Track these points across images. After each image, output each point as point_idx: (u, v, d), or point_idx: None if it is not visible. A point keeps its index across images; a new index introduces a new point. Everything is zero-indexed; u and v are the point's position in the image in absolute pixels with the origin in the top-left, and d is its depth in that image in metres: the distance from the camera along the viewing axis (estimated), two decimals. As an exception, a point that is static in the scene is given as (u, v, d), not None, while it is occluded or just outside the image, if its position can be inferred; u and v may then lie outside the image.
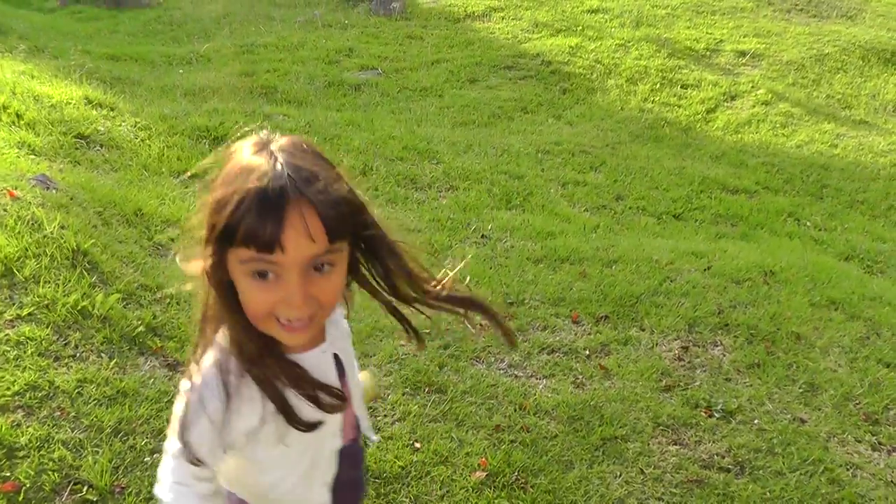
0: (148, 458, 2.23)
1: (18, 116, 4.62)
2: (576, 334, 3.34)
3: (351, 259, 1.10)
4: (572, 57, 9.46)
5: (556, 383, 2.97)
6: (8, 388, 2.29)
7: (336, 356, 1.22)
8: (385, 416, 2.65)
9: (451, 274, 1.22)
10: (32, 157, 4.18)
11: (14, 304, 2.63)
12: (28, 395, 2.30)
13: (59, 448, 2.15)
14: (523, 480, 2.41)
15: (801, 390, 3.06)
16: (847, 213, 6.28)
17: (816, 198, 6.52)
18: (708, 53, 9.89)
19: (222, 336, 1.10)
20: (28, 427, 2.19)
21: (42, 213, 3.10)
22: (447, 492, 2.33)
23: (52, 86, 5.52)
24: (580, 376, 3.03)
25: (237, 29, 10.57)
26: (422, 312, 1.21)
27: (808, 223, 5.92)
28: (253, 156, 1.00)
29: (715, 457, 2.62)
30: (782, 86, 9.05)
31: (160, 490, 1.17)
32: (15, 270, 2.77)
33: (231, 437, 1.12)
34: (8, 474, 2.03)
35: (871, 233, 5.86)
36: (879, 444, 2.80)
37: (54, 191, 3.43)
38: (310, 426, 1.13)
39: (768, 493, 2.46)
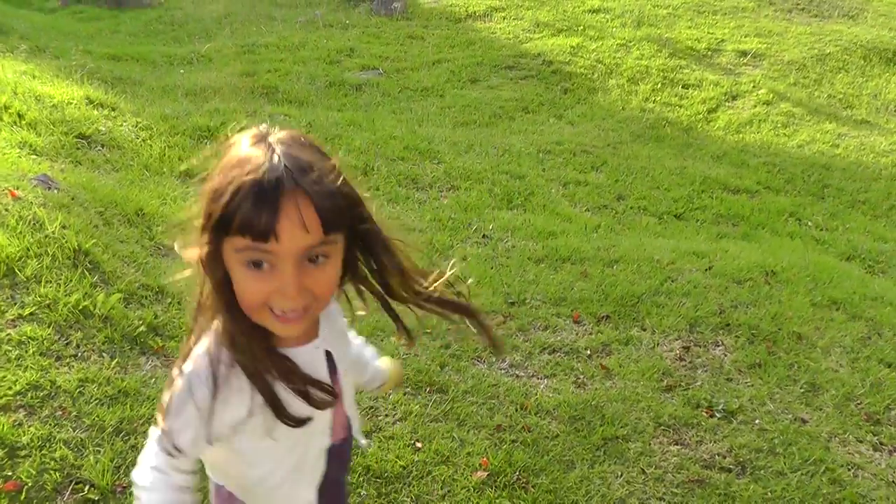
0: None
1: (20, 116, 4.63)
2: (577, 334, 3.34)
3: (346, 254, 1.11)
4: (573, 57, 9.45)
5: (558, 383, 2.97)
6: (10, 388, 2.29)
7: (328, 353, 1.22)
8: (386, 415, 2.65)
9: (446, 274, 1.22)
10: (34, 157, 4.18)
11: (16, 304, 2.64)
12: (30, 395, 2.30)
13: (60, 447, 2.15)
14: (524, 480, 2.41)
15: (802, 390, 3.06)
16: (848, 213, 6.27)
17: (818, 198, 6.51)
18: (709, 53, 9.88)
19: (216, 326, 1.11)
20: (30, 426, 2.19)
21: (43, 212, 3.10)
22: (448, 491, 2.33)
23: (53, 86, 5.53)
24: (581, 376, 3.03)
25: (238, 29, 10.57)
26: (413, 311, 1.22)
27: (810, 223, 5.92)
28: (251, 147, 1.02)
29: (716, 457, 2.62)
30: (784, 85, 9.04)
31: (137, 474, 1.17)
32: (16, 270, 2.77)
33: (217, 427, 1.11)
34: (10, 473, 2.04)
35: (872, 233, 5.85)
36: (881, 444, 2.79)
37: (56, 191, 3.44)
38: (298, 421, 1.13)
39: (770, 494, 2.46)
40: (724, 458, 2.62)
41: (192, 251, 1.06)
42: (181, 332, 2.85)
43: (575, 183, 5.91)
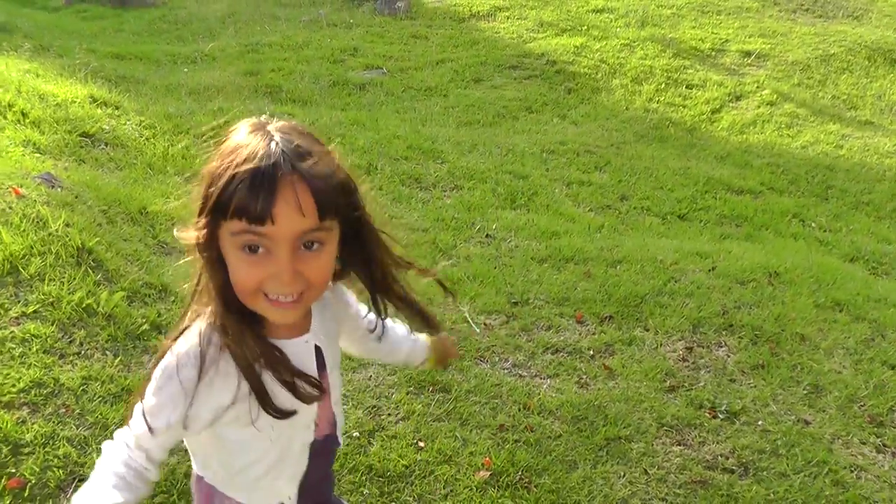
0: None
1: (24, 115, 4.63)
2: (580, 334, 3.34)
3: (342, 243, 1.12)
4: (577, 57, 9.45)
5: (560, 383, 2.97)
6: (13, 386, 2.29)
7: (318, 349, 1.23)
8: (389, 414, 2.65)
9: (429, 273, 1.27)
10: (37, 155, 4.19)
11: (19, 302, 2.64)
12: (33, 393, 2.30)
13: (63, 445, 2.16)
14: (527, 480, 2.40)
15: (805, 392, 3.05)
16: (852, 214, 6.26)
17: (821, 199, 6.50)
18: (713, 53, 9.87)
19: (210, 310, 1.11)
20: (33, 424, 2.20)
21: (47, 211, 3.11)
22: (451, 491, 2.33)
23: (57, 84, 5.53)
24: (584, 376, 3.03)
25: (242, 28, 10.58)
26: (391, 304, 1.27)
27: (813, 224, 5.91)
28: (249, 134, 1.04)
29: (719, 458, 2.62)
30: (787, 86, 9.02)
31: (105, 442, 1.17)
32: (20, 268, 2.77)
33: (197, 410, 1.10)
34: (13, 471, 2.04)
35: (876, 234, 5.84)
36: (884, 445, 2.79)
37: (59, 189, 3.44)
38: (283, 413, 1.13)
39: (772, 495, 2.46)
40: (727, 459, 2.62)
41: (190, 234, 1.07)
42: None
43: (578, 183, 5.90)
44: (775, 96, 8.69)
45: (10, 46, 7.15)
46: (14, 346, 2.45)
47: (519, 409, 2.76)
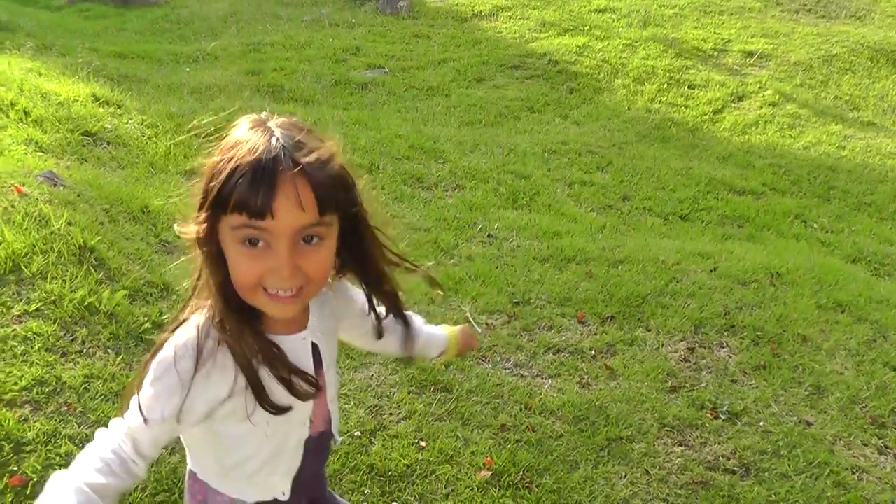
0: (154, 455, 2.23)
1: (26, 114, 4.64)
2: (581, 334, 3.33)
3: (340, 239, 1.12)
4: (579, 56, 9.45)
5: (562, 383, 2.97)
6: (15, 384, 2.30)
7: (315, 346, 1.23)
8: (391, 414, 2.65)
9: (419, 271, 1.29)
10: (40, 153, 4.19)
11: (21, 300, 2.64)
12: (35, 391, 2.31)
13: (65, 443, 2.16)
14: (528, 480, 2.40)
15: (807, 393, 3.05)
16: (854, 215, 6.25)
17: (824, 199, 6.49)
18: (715, 54, 9.86)
19: (210, 304, 1.12)
20: (35, 422, 2.20)
21: (49, 209, 3.11)
22: (452, 490, 2.34)
23: (59, 83, 5.54)
24: (586, 376, 3.02)
25: (244, 27, 10.59)
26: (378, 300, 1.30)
27: (815, 225, 5.90)
28: (250, 130, 1.05)
29: (720, 458, 2.62)
30: (790, 87, 9.02)
31: (100, 429, 1.16)
32: (22, 266, 2.78)
33: (192, 403, 1.10)
34: (15, 468, 2.04)
35: (878, 235, 5.83)
36: (886, 447, 2.78)
37: (61, 188, 3.44)
38: (278, 409, 1.13)
39: (774, 496, 2.46)
40: (729, 459, 2.62)
41: (190, 228, 1.07)
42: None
43: (580, 183, 5.90)
44: (777, 97, 8.69)
45: (12, 45, 7.16)
46: (16, 344, 2.45)
47: (520, 409, 2.76)
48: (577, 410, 2.77)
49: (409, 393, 2.76)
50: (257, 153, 1.00)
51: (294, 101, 7.46)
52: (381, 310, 1.33)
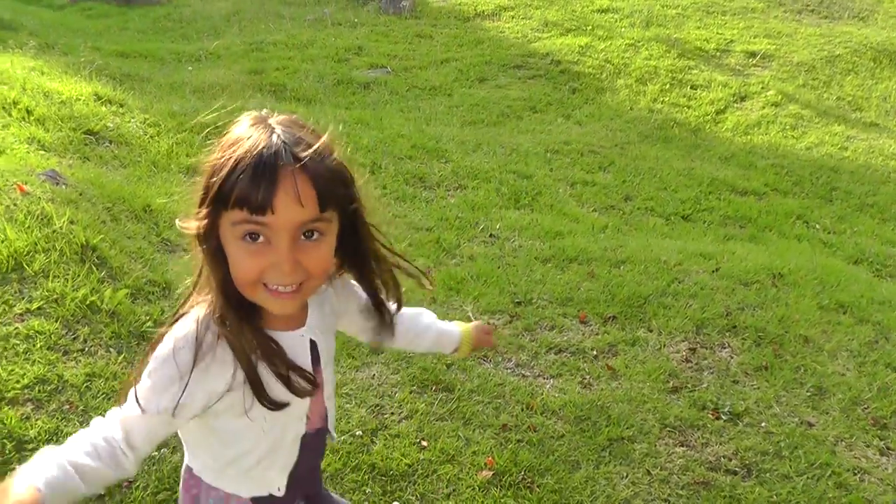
0: (155, 453, 2.23)
1: (28, 112, 4.64)
2: (583, 334, 3.33)
3: (340, 237, 1.13)
4: (582, 56, 9.44)
5: (564, 383, 2.96)
6: (17, 382, 2.30)
7: (314, 343, 1.24)
8: (392, 413, 2.65)
9: (409, 269, 1.30)
10: (42, 152, 4.20)
11: (23, 298, 2.65)
12: (37, 389, 2.31)
13: (67, 442, 2.16)
14: (530, 480, 2.40)
15: (808, 394, 3.04)
16: (856, 216, 6.24)
17: (826, 200, 6.48)
18: (718, 54, 9.85)
19: (210, 299, 1.12)
20: (37, 420, 2.20)
21: (51, 208, 3.11)
22: (453, 490, 2.34)
23: (61, 82, 5.55)
24: (587, 376, 3.02)
25: (246, 27, 10.59)
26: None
27: (818, 226, 5.89)
28: (251, 127, 1.06)
29: (722, 459, 2.61)
30: (792, 87, 9.01)
31: (97, 417, 1.17)
32: (24, 265, 2.78)
33: (190, 396, 1.09)
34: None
35: (880, 236, 5.82)
36: (888, 448, 2.78)
37: (63, 186, 3.45)
38: (276, 405, 1.14)
39: (775, 497, 2.45)
40: (730, 460, 2.61)
41: (191, 224, 1.08)
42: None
43: (582, 183, 5.90)
44: (780, 97, 8.67)
45: (15, 44, 7.16)
46: (18, 342, 2.45)
47: (522, 409, 2.76)
48: (578, 410, 2.77)
49: (410, 392, 2.76)
50: (258, 149, 1.01)
51: (296, 101, 7.46)
52: (392, 307, 1.34)
